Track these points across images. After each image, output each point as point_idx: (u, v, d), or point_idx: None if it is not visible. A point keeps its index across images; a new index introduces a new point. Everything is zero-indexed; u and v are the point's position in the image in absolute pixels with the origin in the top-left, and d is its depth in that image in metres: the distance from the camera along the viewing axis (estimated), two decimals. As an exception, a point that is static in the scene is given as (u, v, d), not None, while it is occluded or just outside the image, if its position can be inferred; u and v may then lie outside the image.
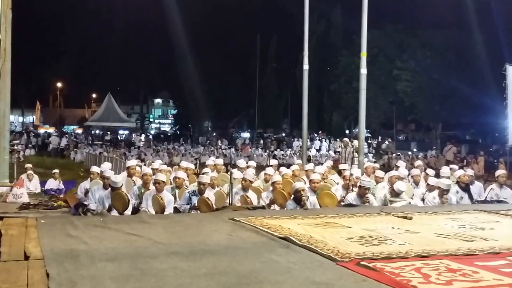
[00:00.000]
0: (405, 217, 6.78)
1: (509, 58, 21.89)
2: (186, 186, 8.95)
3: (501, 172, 9.79)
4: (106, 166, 10.54)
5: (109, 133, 45.36)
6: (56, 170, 14.37)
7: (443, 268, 4.31)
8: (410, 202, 8.50)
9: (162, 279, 3.87)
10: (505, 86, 18.66)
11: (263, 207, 7.93)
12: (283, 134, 51.01)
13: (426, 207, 8.29)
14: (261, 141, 43.72)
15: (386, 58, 35.32)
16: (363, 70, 13.14)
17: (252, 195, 8.39)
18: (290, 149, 34.67)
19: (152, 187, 8.16)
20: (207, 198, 7.73)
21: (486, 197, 9.20)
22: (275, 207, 8.12)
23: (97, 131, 48.12)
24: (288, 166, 11.81)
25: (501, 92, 19.44)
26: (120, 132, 49.33)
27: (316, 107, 41.23)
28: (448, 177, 9.77)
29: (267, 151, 34.01)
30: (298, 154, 29.88)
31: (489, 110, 25.21)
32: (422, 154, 29.40)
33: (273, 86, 51.46)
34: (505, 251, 4.96)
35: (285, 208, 7.87)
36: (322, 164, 14.66)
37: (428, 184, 9.00)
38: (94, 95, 65.86)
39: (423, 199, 8.74)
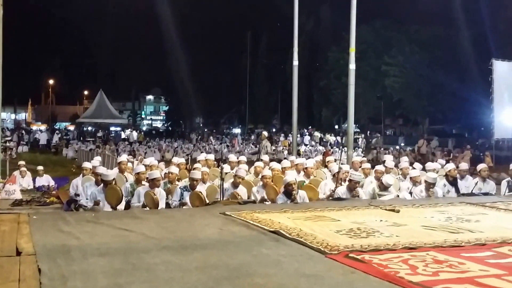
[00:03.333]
0: (393, 210, 6.88)
1: (495, 53, 22.12)
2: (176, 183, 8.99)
3: (482, 166, 9.88)
4: (97, 161, 10.54)
5: (100, 130, 45.21)
6: (41, 167, 14.32)
7: (430, 259, 4.38)
8: (398, 196, 8.62)
9: (153, 273, 3.91)
10: (491, 80, 18.90)
11: (253, 202, 8.00)
12: (274, 130, 51.13)
13: (413, 200, 8.41)
14: (252, 137, 43.84)
15: (374, 54, 35.50)
16: (352, 66, 13.26)
17: (242, 190, 8.45)
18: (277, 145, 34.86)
19: (145, 183, 8.18)
20: (200, 192, 7.77)
21: (472, 191, 9.32)
22: (266, 201, 8.19)
23: (89, 128, 47.97)
24: (278, 161, 11.88)
25: (487, 87, 19.68)
26: (112, 128, 49.19)
27: (306, 102, 41.35)
28: (437, 171, 9.92)
29: (258, 146, 34.10)
30: (283, 148, 30.13)
31: (476, 104, 25.41)
32: (410, 148, 29.65)
33: (263, 82, 51.58)
34: (491, 243, 5.04)
35: (276, 202, 7.94)
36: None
37: (411, 177, 9.11)
38: (86, 92, 65.61)
39: (410, 193, 8.84)
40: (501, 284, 3.70)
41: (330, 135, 39.76)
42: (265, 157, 12.58)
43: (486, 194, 9.12)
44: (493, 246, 4.91)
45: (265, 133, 19.25)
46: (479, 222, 6.24)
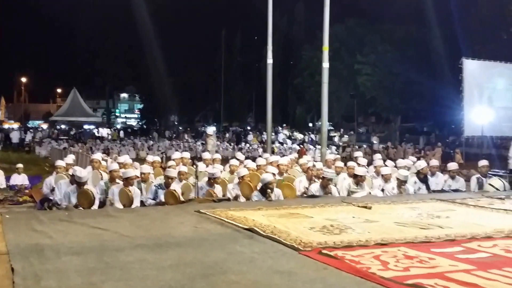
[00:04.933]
0: (365, 207, 7.00)
1: (466, 52, 22.53)
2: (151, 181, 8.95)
3: (452, 166, 10.09)
4: (70, 160, 10.41)
5: (74, 128, 44.66)
6: (20, 165, 14.08)
7: (401, 255, 4.46)
8: (370, 193, 8.75)
9: (128, 272, 3.90)
10: (461, 79, 19.23)
11: (228, 199, 8.03)
12: (249, 128, 51.21)
13: (385, 197, 8.56)
14: (227, 135, 43.87)
15: (347, 53, 35.77)
16: (325, 64, 13.36)
17: (217, 188, 8.46)
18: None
19: (119, 181, 8.12)
20: (174, 190, 7.76)
21: (442, 188, 9.52)
22: (241, 198, 8.23)
23: (63, 126, 47.28)
24: (253, 159, 11.92)
25: (458, 85, 20.04)
26: (86, 126, 48.61)
27: (280, 100, 41.54)
28: (408, 168, 10.09)
29: (232, 144, 34.23)
30: (257, 146, 30.29)
31: (446, 102, 25.83)
32: (383, 145, 30.09)
33: (238, 80, 51.55)
34: (460, 238, 5.16)
35: (251, 200, 7.98)
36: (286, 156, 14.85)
37: (383, 175, 9.25)
38: (59, 90, 64.63)
39: (382, 190, 8.98)
40: (470, 279, 3.78)
41: (298, 133, 40.13)
42: (240, 155, 12.60)
43: (456, 190, 9.32)
44: (463, 242, 5.02)
45: (210, 130, 19.41)
46: (449, 218, 6.37)
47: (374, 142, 32.50)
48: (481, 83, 20.30)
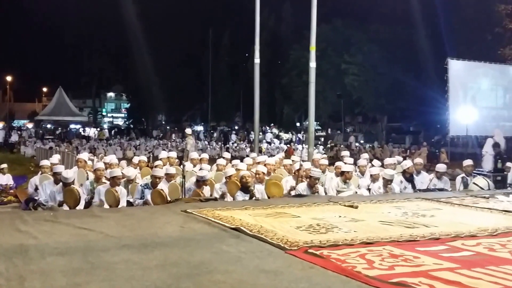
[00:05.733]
0: (351, 206, 7.04)
1: (451, 52, 22.74)
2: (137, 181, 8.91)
3: (440, 167, 10.19)
4: (56, 159, 10.32)
5: (60, 128, 44.26)
6: (4, 165, 13.90)
7: (386, 254, 4.49)
8: (356, 192, 8.81)
9: (113, 272, 3.88)
10: (446, 79, 19.43)
11: (215, 199, 8.02)
12: (236, 127, 51.17)
13: (371, 196, 8.61)
14: (214, 134, 43.82)
15: (334, 52, 35.87)
16: (312, 64, 13.40)
17: (205, 189, 8.44)
18: (242, 142, 35.12)
19: (105, 181, 8.07)
20: (161, 190, 7.74)
21: (428, 187, 9.61)
22: (228, 198, 8.23)
23: (48, 126, 46.87)
24: (241, 158, 11.93)
25: (443, 85, 20.22)
26: (72, 126, 48.23)
27: (268, 100, 41.58)
28: (394, 167, 10.17)
29: (220, 143, 34.23)
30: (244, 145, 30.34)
31: (432, 102, 26.02)
32: (369, 145, 30.29)
33: (226, 79, 51.45)
34: (444, 237, 5.20)
35: (237, 199, 7.99)
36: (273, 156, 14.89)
37: (371, 175, 9.32)
38: (45, 89, 63.92)
39: (369, 189, 9.04)
40: (454, 277, 3.81)
41: (283, 133, 40.24)
42: (227, 154, 12.60)
43: (442, 189, 9.42)
44: (447, 240, 5.06)
45: (188, 130, 19.43)
46: (434, 217, 6.43)
47: (350, 141, 32.76)
48: (466, 83, 20.54)
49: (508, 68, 22.69)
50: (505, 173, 10.50)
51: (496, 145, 13.33)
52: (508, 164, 10.95)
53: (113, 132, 46.87)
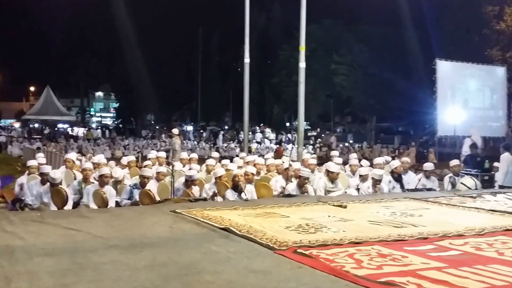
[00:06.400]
0: (340, 206, 7.05)
1: (439, 53, 22.91)
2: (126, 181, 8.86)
3: (428, 166, 10.26)
4: (41, 157, 10.23)
5: (47, 127, 43.91)
6: None
7: (375, 253, 4.50)
8: (346, 192, 8.84)
9: (101, 273, 3.85)
10: (434, 79, 19.56)
11: (204, 199, 8.00)
12: (226, 127, 51.12)
13: (360, 196, 8.64)
14: (204, 134, 43.74)
15: (324, 53, 35.98)
16: (302, 64, 13.44)
17: (195, 189, 8.42)
18: (231, 142, 35.12)
19: (93, 181, 8.02)
20: (149, 190, 7.70)
21: (416, 187, 9.67)
22: (218, 198, 8.21)
23: (36, 125, 46.47)
24: (230, 158, 11.92)
25: (432, 86, 20.36)
26: (60, 125, 47.87)
27: (257, 100, 41.58)
28: (382, 166, 10.23)
29: (209, 143, 34.21)
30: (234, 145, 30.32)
31: (421, 103, 26.19)
32: (358, 145, 30.41)
33: (215, 79, 51.39)
34: (432, 236, 5.23)
35: (227, 199, 7.98)
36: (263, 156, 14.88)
37: (360, 175, 9.35)
38: (32, 88, 63.45)
39: (358, 189, 9.08)
40: (442, 276, 3.83)
41: (271, 132, 40.32)
42: (215, 154, 12.59)
43: (430, 189, 9.48)
44: (435, 240, 5.08)
45: (175, 131, 19.45)
46: (422, 217, 6.45)
47: (331, 141, 32.86)
48: (454, 83, 20.70)
49: (495, 69, 22.91)
50: (492, 173, 10.60)
51: (473, 146, 13.46)
52: (496, 164, 11.07)
53: (106, 132, 46.49)
